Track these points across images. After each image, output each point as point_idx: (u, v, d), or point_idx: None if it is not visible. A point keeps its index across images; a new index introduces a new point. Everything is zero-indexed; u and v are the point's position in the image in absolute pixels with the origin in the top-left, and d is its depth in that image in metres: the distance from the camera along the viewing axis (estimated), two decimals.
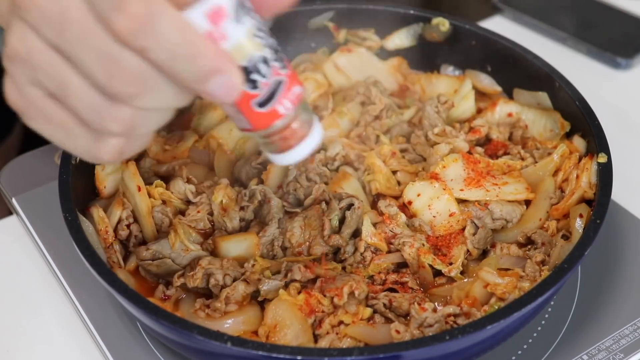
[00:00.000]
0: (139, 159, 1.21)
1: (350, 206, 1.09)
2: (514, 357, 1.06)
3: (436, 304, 1.00)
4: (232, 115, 0.81)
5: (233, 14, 0.73)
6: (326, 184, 1.15)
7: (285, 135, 0.82)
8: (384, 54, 1.39)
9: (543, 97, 1.24)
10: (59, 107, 0.75)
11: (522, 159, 1.19)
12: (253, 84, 0.77)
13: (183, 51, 0.70)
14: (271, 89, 0.78)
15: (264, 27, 0.77)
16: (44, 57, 0.72)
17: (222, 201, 1.12)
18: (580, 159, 1.14)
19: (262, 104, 0.78)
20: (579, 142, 1.17)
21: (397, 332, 0.95)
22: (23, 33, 0.72)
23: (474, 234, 1.08)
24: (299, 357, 0.87)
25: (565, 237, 1.06)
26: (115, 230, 1.11)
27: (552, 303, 1.12)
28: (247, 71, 0.76)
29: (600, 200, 1.03)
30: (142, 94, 0.72)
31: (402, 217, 1.11)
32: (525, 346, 1.07)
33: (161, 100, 0.74)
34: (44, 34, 0.71)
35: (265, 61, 0.77)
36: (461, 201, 1.12)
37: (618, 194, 1.21)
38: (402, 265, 1.08)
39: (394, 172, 1.19)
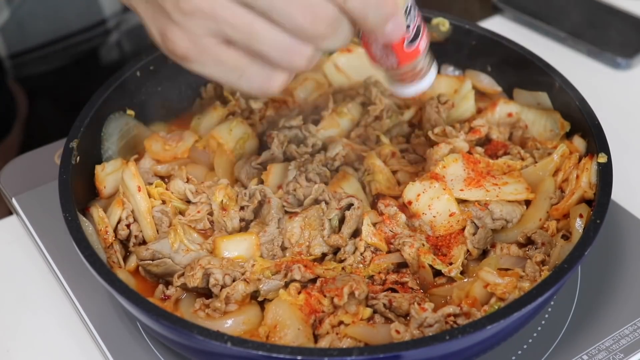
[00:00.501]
0: (139, 159, 1.21)
1: (350, 206, 1.09)
2: (514, 357, 1.06)
3: (427, 305, 0.99)
4: (381, 55, 0.97)
5: None
6: (326, 184, 1.15)
7: (415, 71, 1.00)
8: None
9: (543, 97, 1.24)
10: (234, 51, 0.87)
11: (522, 159, 1.19)
12: (407, 26, 0.94)
13: (373, 0, 0.85)
14: (416, 30, 0.96)
15: None
16: (229, 12, 0.84)
17: (222, 201, 1.12)
18: (580, 159, 1.14)
19: (410, 43, 0.96)
20: (579, 142, 1.17)
21: (397, 332, 0.95)
22: None
23: (474, 234, 1.08)
24: (299, 357, 0.87)
25: (565, 237, 1.06)
26: (115, 230, 1.11)
27: (552, 303, 1.12)
28: (405, 15, 0.93)
29: (600, 200, 1.03)
30: (332, 36, 0.86)
31: (402, 217, 1.11)
32: (525, 346, 1.07)
33: (339, 41, 0.87)
34: None
35: (414, 7, 0.95)
36: (461, 201, 1.12)
37: (618, 194, 1.21)
38: (402, 265, 1.08)
39: (394, 172, 1.19)
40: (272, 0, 0.83)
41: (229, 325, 0.99)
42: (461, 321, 0.97)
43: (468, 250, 1.07)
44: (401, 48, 0.96)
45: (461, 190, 1.12)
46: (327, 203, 1.11)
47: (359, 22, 0.87)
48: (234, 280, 1.03)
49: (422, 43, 0.98)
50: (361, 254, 1.07)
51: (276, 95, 0.88)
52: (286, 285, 1.03)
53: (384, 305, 1.00)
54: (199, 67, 0.89)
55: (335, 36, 0.86)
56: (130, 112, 1.24)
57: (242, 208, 1.12)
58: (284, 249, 1.08)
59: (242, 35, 0.85)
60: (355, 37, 0.91)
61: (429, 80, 1.03)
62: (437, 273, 1.06)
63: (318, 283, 1.03)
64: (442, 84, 1.32)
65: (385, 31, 0.88)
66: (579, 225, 1.05)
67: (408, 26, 0.94)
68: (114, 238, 1.10)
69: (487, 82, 1.33)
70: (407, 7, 0.94)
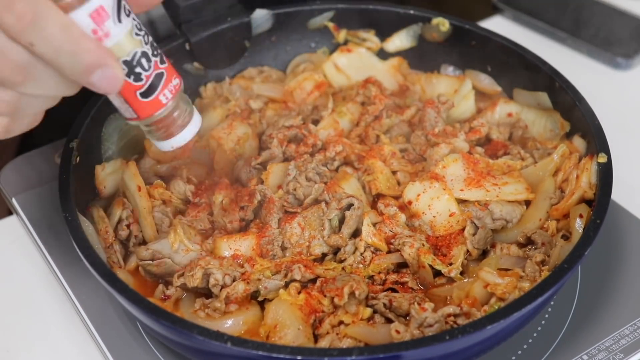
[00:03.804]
0: (139, 159, 1.21)
1: (350, 206, 1.09)
2: (514, 357, 1.06)
3: (427, 305, 0.99)
4: (119, 106, 0.91)
5: (114, 15, 0.84)
6: (326, 183, 1.15)
7: (168, 123, 0.93)
8: (384, 54, 1.39)
9: (543, 97, 1.24)
10: None
11: (522, 159, 1.19)
12: (137, 76, 0.88)
13: (67, 47, 0.78)
14: (153, 81, 0.89)
15: (143, 27, 0.88)
16: None
17: (222, 201, 1.12)
18: (580, 159, 1.14)
19: (145, 95, 0.89)
20: (579, 142, 1.17)
21: (397, 332, 0.95)
22: None
23: (473, 234, 1.08)
24: (299, 357, 0.87)
25: (565, 237, 1.06)
26: (115, 230, 1.11)
27: (552, 303, 1.12)
28: (130, 65, 0.87)
29: (600, 200, 1.03)
30: (26, 82, 0.80)
31: (402, 217, 1.11)
32: (525, 346, 1.07)
33: (44, 88, 0.82)
34: None
35: (146, 56, 0.88)
36: (461, 201, 1.12)
37: (618, 194, 1.21)
38: (402, 265, 1.08)
39: (394, 172, 1.19)
40: None
41: (229, 325, 0.99)
42: (461, 321, 0.97)
43: (468, 251, 1.07)
44: (135, 100, 0.89)
45: (461, 190, 1.12)
46: (327, 203, 1.11)
47: (57, 71, 0.81)
48: (234, 280, 1.03)
49: (165, 94, 0.91)
50: (361, 254, 1.07)
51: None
52: (286, 285, 1.03)
53: (384, 305, 1.00)
54: None
55: (35, 82, 0.81)
56: None
57: (242, 208, 1.12)
58: (284, 249, 1.08)
59: None
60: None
61: (188, 132, 0.96)
62: (437, 273, 1.06)
63: (318, 283, 1.03)
64: (442, 84, 1.33)
65: (91, 82, 0.82)
66: (579, 225, 1.05)
67: (138, 75, 0.87)
68: (114, 238, 1.10)
69: (487, 82, 1.33)
70: (136, 56, 0.87)
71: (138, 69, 0.87)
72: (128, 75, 0.87)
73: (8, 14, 0.76)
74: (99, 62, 0.81)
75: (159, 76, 0.90)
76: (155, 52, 0.89)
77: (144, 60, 0.88)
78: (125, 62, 0.86)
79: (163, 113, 0.92)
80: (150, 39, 0.89)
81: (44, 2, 0.78)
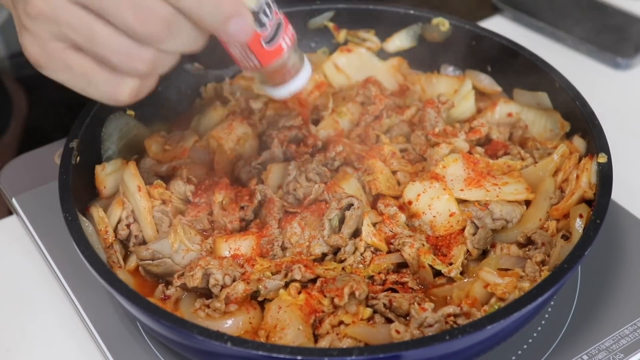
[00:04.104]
0: (139, 159, 1.21)
1: (350, 206, 1.09)
2: (514, 357, 1.06)
3: (427, 305, 0.99)
4: (242, 56, 0.94)
5: None
6: (326, 183, 1.15)
7: (285, 69, 0.96)
8: (384, 54, 1.39)
9: (543, 97, 1.24)
10: (82, 56, 0.85)
11: (522, 159, 1.19)
12: (262, 24, 0.90)
13: None
14: (275, 28, 0.92)
15: None
16: (69, 14, 0.81)
17: (222, 201, 1.12)
18: (580, 159, 1.14)
19: (269, 41, 0.92)
20: (579, 142, 1.17)
21: (397, 332, 0.95)
22: None
23: (474, 234, 1.08)
24: (299, 357, 0.87)
25: (565, 237, 1.06)
26: (115, 230, 1.11)
27: (552, 303, 1.12)
28: (256, 14, 0.89)
29: (600, 200, 1.03)
30: (169, 37, 0.82)
31: (402, 217, 1.11)
32: (525, 346, 1.07)
33: (182, 43, 0.84)
34: None
35: (268, 5, 0.91)
36: (461, 201, 1.12)
37: (618, 194, 1.21)
38: (402, 265, 1.08)
39: (394, 172, 1.19)
40: (103, 0, 0.81)
41: (229, 325, 0.99)
42: (461, 321, 0.97)
43: (468, 251, 1.07)
44: (260, 48, 0.92)
45: (461, 190, 1.12)
46: (327, 203, 1.11)
47: (197, 22, 0.83)
48: (234, 280, 1.03)
49: (285, 40, 0.94)
50: (361, 254, 1.07)
51: (128, 103, 0.90)
52: (286, 285, 1.03)
53: (384, 305, 1.00)
54: (51, 73, 0.87)
55: (175, 37, 0.83)
56: (130, 112, 1.24)
57: (242, 208, 1.12)
58: (284, 249, 1.08)
59: (84, 39, 0.83)
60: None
61: (302, 78, 1.00)
62: (437, 273, 1.06)
63: (318, 283, 1.03)
64: (442, 84, 1.33)
65: (228, 31, 0.84)
66: (579, 225, 1.05)
67: (263, 24, 0.91)
68: (114, 238, 1.10)
69: (487, 82, 1.33)
70: (260, 5, 0.89)
71: (263, 18, 0.90)
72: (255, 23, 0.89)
73: None
74: (235, 11, 0.83)
75: (279, 24, 0.93)
76: (274, 1, 0.92)
77: (267, 9, 0.90)
78: (253, 11, 0.88)
79: (284, 59, 0.95)
80: None
81: None
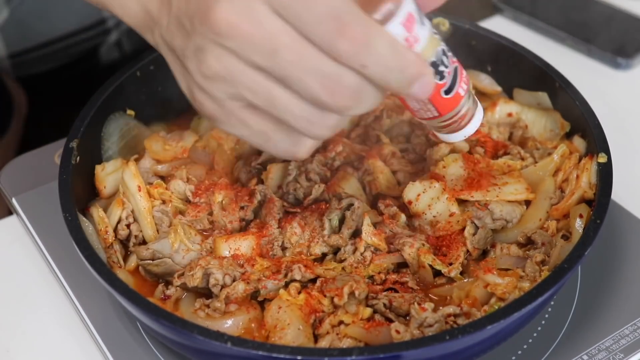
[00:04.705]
0: (139, 159, 1.21)
1: (350, 206, 1.09)
2: (514, 357, 1.06)
3: (427, 305, 0.99)
4: (419, 108, 0.92)
5: (419, 17, 0.82)
6: (326, 183, 1.15)
7: (462, 115, 0.93)
8: None
9: (543, 97, 1.24)
10: (260, 116, 0.84)
11: (522, 159, 1.19)
12: (441, 75, 0.87)
13: (395, 64, 0.78)
14: (452, 76, 0.88)
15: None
16: (247, 77, 0.80)
17: (222, 201, 1.12)
18: (580, 159, 1.14)
19: (447, 91, 0.89)
20: (579, 142, 1.17)
21: (397, 332, 0.95)
22: (221, 56, 0.80)
23: (474, 234, 1.08)
24: (299, 357, 0.87)
25: (565, 237, 1.06)
26: (115, 230, 1.11)
27: (552, 303, 1.12)
28: (435, 65, 0.86)
29: (600, 200, 1.03)
30: (357, 106, 0.80)
31: (402, 217, 1.11)
32: (525, 346, 1.07)
33: (366, 107, 0.82)
34: (247, 57, 0.79)
35: (444, 53, 0.87)
36: (461, 201, 1.12)
37: (618, 194, 1.21)
38: (402, 265, 1.08)
39: (394, 172, 1.19)
40: (287, 69, 0.78)
41: (229, 325, 0.99)
42: (461, 321, 0.97)
43: (468, 251, 1.07)
44: (439, 98, 0.90)
45: (461, 190, 1.12)
46: (327, 203, 1.11)
47: (383, 88, 0.81)
48: (234, 280, 1.03)
49: (462, 87, 0.91)
50: (361, 254, 1.07)
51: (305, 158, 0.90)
52: (286, 285, 1.03)
53: (384, 305, 1.00)
54: (229, 128, 0.87)
55: (361, 104, 0.81)
56: (130, 112, 1.24)
57: (242, 208, 1.12)
58: (284, 249, 1.08)
59: (263, 102, 0.82)
60: None
61: (476, 121, 0.97)
62: (437, 273, 1.06)
63: (318, 283, 1.03)
64: None
65: (411, 92, 0.81)
66: (579, 225, 1.05)
67: (442, 73, 0.87)
68: (114, 238, 1.10)
69: (487, 82, 1.33)
70: (438, 55, 0.86)
71: (441, 68, 0.87)
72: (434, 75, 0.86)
73: (343, 40, 0.76)
74: (420, 73, 0.80)
75: (456, 70, 0.89)
76: (448, 47, 0.87)
77: (444, 58, 0.87)
78: (432, 63, 0.85)
79: (462, 106, 0.92)
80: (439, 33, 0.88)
81: (374, 23, 0.77)
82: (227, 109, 0.84)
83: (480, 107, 0.97)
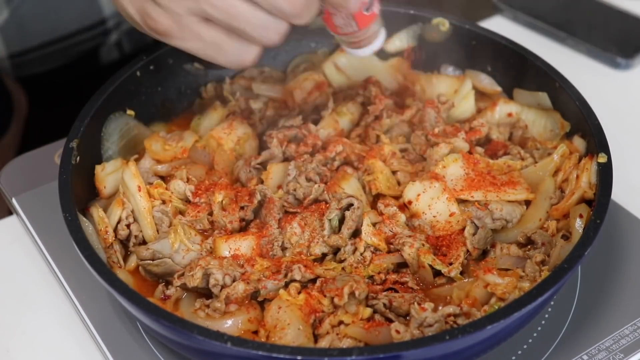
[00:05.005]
0: (139, 159, 1.21)
1: (349, 206, 1.09)
2: (514, 357, 1.06)
3: (427, 305, 0.99)
4: (342, 23, 1.06)
5: None
6: (326, 183, 1.15)
7: (371, 33, 1.09)
8: (384, 54, 1.39)
9: (543, 97, 1.24)
10: (214, 28, 0.96)
11: (522, 159, 1.19)
12: None
13: None
14: None
15: None
16: None
17: (222, 201, 1.12)
18: (580, 159, 1.14)
19: (367, 9, 1.06)
20: (579, 142, 1.17)
21: (397, 332, 0.95)
22: None
23: (473, 234, 1.08)
24: (299, 357, 0.87)
25: (565, 237, 1.06)
26: (115, 230, 1.11)
27: (552, 303, 1.12)
28: None
29: (600, 200, 1.03)
30: (307, 14, 0.96)
31: (402, 217, 1.11)
32: (525, 346, 1.07)
33: (308, 17, 0.97)
34: None
35: None
36: (461, 201, 1.12)
37: (618, 194, 1.21)
38: (402, 265, 1.08)
39: (394, 172, 1.19)
40: None
41: (229, 325, 0.99)
42: (461, 321, 0.97)
43: (468, 250, 1.07)
44: (360, 15, 1.05)
45: (461, 190, 1.12)
46: (327, 203, 1.11)
47: (328, 1, 0.97)
48: (234, 280, 1.03)
49: (377, 6, 1.07)
50: (361, 254, 1.07)
51: (249, 67, 1.05)
52: (286, 285, 1.03)
53: (384, 305, 1.00)
54: (179, 42, 0.97)
55: (307, 14, 0.95)
56: (130, 112, 1.24)
57: (242, 208, 1.12)
58: (284, 249, 1.08)
59: (222, 14, 0.93)
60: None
61: (380, 40, 1.12)
62: (437, 273, 1.06)
63: (318, 283, 1.03)
64: (442, 84, 1.32)
65: (349, 6, 0.99)
66: (579, 225, 1.05)
67: None
68: (114, 238, 1.10)
69: (487, 82, 1.33)
70: None
71: None
72: None
73: None
74: None
75: None
76: None
77: None
78: None
79: (375, 23, 1.08)
80: None
81: None
82: (183, 24, 0.95)
83: (383, 30, 1.12)
